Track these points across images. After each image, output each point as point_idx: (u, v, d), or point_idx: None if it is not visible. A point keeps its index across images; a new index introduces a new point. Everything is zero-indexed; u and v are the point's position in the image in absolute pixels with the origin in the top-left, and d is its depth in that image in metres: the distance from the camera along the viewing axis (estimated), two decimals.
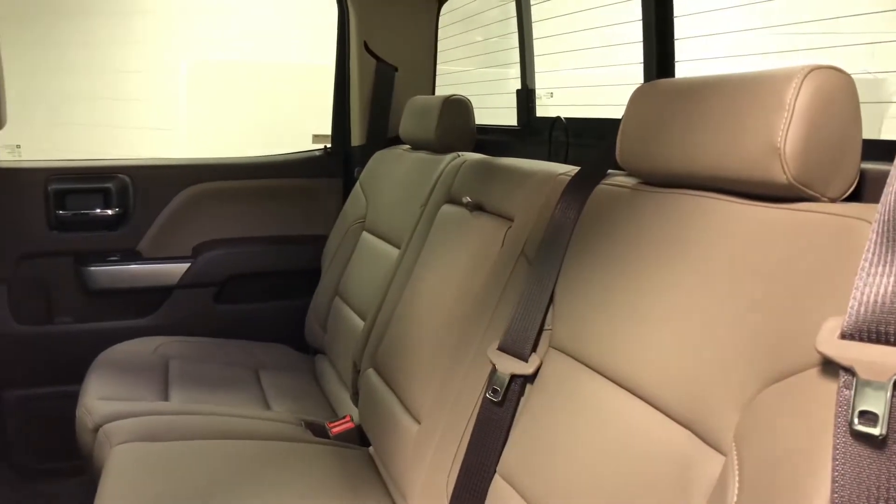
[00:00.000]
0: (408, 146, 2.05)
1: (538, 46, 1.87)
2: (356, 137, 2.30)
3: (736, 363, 0.73)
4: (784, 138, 0.75)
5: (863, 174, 0.79)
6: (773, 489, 0.63)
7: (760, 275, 0.75)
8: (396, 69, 2.20)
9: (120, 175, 2.15)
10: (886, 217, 0.59)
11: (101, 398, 1.62)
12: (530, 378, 1.07)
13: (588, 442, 0.91)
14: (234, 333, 2.18)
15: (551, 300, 1.09)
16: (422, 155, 1.89)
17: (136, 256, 2.17)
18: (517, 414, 1.07)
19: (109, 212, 2.14)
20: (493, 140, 1.91)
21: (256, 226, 2.28)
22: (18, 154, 2.33)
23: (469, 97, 1.87)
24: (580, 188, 1.13)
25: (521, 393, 1.08)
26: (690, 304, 0.82)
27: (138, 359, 1.90)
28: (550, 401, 1.01)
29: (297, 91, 2.60)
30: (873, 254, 0.59)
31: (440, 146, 1.80)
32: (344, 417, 1.68)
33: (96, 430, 1.50)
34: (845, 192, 0.78)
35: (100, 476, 1.35)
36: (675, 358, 0.81)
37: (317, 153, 2.35)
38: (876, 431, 0.55)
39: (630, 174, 1.06)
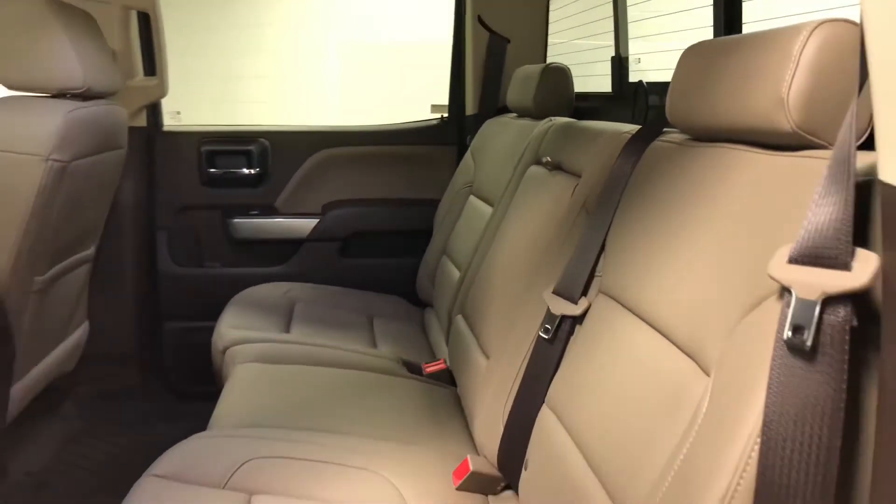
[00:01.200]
0: (514, 114, 2.16)
1: (631, 13, 1.91)
2: (470, 107, 2.44)
3: (729, 297, 0.81)
4: (788, 88, 0.80)
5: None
6: (727, 402, 0.71)
7: (768, 218, 0.81)
8: (508, 41, 2.31)
9: (261, 139, 2.43)
10: (836, 153, 0.65)
11: (231, 327, 1.89)
12: (579, 319, 1.17)
13: (619, 377, 1.00)
14: (354, 284, 2.40)
15: (602, 248, 1.18)
16: (523, 121, 2.00)
17: (273, 211, 2.45)
18: (566, 351, 1.18)
19: (252, 171, 2.43)
20: (589, 106, 1.98)
21: (378, 188, 2.49)
22: (179, 119, 2.68)
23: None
24: (637, 145, 1.20)
25: (571, 332, 1.18)
26: (707, 246, 0.89)
27: (268, 299, 2.16)
28: (593, 340, 1.11)
29: (421, 65, 2.78)
30: (823, 188, 0.65)
31: (538, 112, 1.90)
32: (439, 360, 1.85)
33: (224, 351, 1.76)
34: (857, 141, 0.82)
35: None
36: (687, 294, 0.89)
37: (434, 122, 2.52)
38: (805, 345, 0.62)
39: (681, 131, 1.13)
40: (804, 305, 0.63)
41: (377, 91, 3.14)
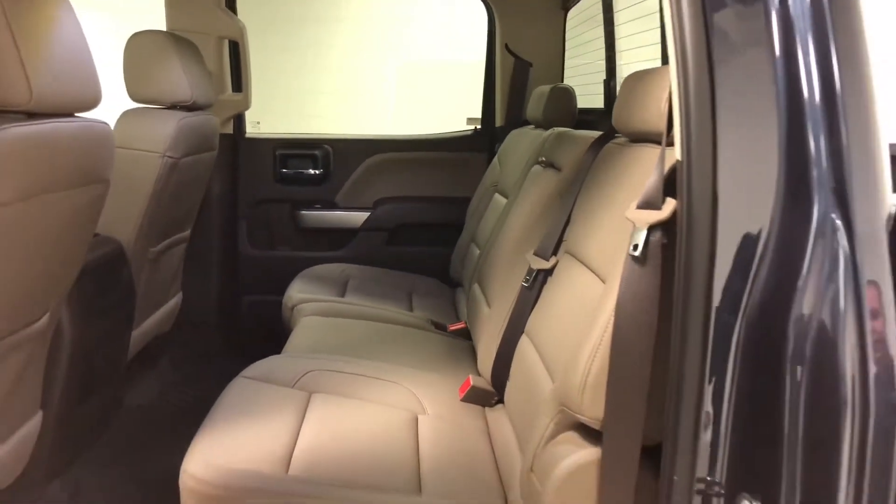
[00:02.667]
0: (532, 125, 2.59)
1: (630, 41, 2.33)
2: (499, 119, 2.89)
3: (623, 237, 1.23)
4: (667, 105, 1.22)
5: None
6: (605, 294, 1.14)
7: (642, 185, 1.23)
8: (531, 64, 2.75)
9: (324, 145, 2.93)
10: (661, 150, 1.07)
11: (299, 291, 2.37)
12: (550, 271, 1.60)
13: (567, 303, 1.43)
14: (398, 267, 2.87)
15: (568, 221, 1.61)
16: (537, 131, 2.43)
17: (333, 205, 2.95)
18: (540, 295, 1.61)
19: (316, 171, 2.93)
20: (588, 119, 2.41)
21: (420, 187, 2.96)
22: (258, 128, 3.20)
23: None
24: (596, 146, 1.63)
25: (544, 281, 1.61)
26: (619, 210, 1.32)
27: (328, 275, 2.65)
28: (557, 284, 1.54)
29: (460, 84, 3.24)
30: (656, 166, 1.07)
31: (546, 124, 2.33)
32: (461, 322, 2.29)
33: (292, 308, 2.25)
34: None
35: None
36: (605, 241, 1.32)
37: (468, 132, 2.98)
38: (638, 256, 1.04)
39: (623, 135, 1.55)
40: (639, 232, 1.05)
41: (423, 105, 3.62)
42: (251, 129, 2.97)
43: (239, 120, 2.91)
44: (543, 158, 1.97)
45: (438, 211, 2.96)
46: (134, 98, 2.28)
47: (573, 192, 1.63)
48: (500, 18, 2.78)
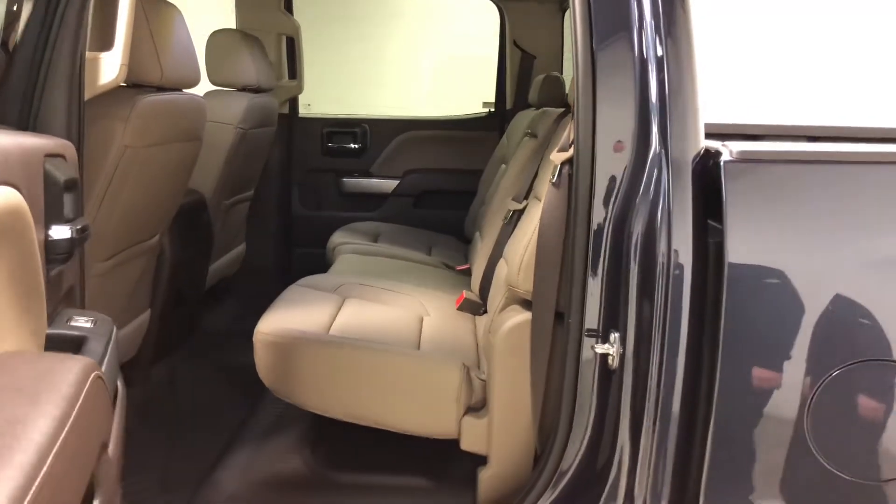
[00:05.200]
0: (533, 108, 3.14)
1: None
2: (509, 103, 3.44)
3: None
4: None
5: None
6: (535, 213, 1.69)
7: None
8: (535, 57, 3.30)
9: (363, 124, 3.53)
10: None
11: (339, 238, 2.98)
12: (521, 211, 2.15)
13: (530, 227, 1.98)
14: (422, 226, 3.44)
15: (536, 174, 2.16)
16: (534, 112, 2.98)
17: (369, 174, 3.54)
18: (515, 228, 2.16)
19: (356, 146, 3.52)
20: None
21: (442, 160, 3.53)
22: (309, 109, 3.82)
23: None
24: (560, 118, 2.18)
25: (518, 217, 2.16)
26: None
27: (363, 229, 3.24)
28: (526, 218, 2.09)
29: (478, 73, 3.80)
30: (571, 120, 1.62)
31: (539, 105, 2.87)
32: (467, 264, 2.86)
33: (333, 249, 2.85)
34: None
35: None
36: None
37: (483, 114, 3.54)
38: (555, 183, 1.59)
39: None
40: (556, 167, 1.60)
41: (448, 89, 4.21)
42: (303, 110, 3.58)
43: (293, 102, 3.51)
44: (529, 131, 2.53)
45: (457, 180, 3.52)
46: (213, 81, 2.90)
47: (541, 152, 2.18)
48: (509, 18, 3.33)
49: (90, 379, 0.74)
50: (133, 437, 1.99)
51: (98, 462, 0.78)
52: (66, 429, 0.60)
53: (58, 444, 0.58)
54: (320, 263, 3.07)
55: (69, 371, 0.69)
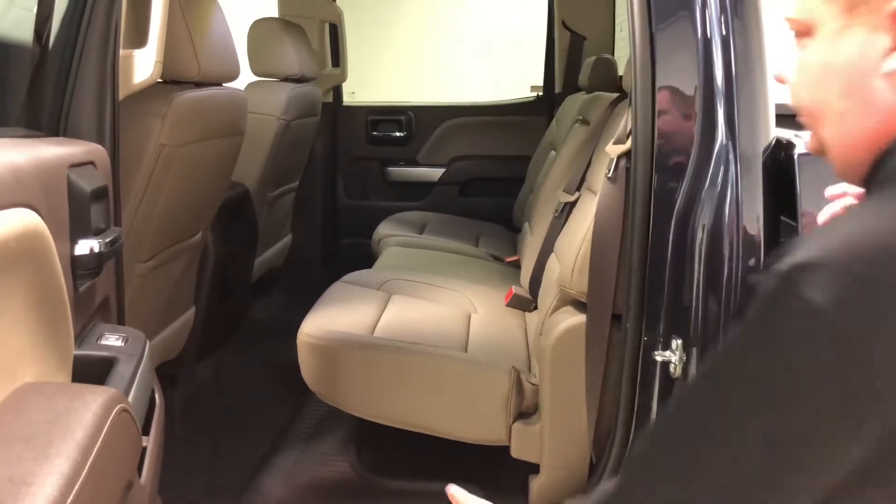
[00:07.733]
0: (583, 92, 3.01)
1: None
2: (558, 87, 3.32)
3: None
4: None
5: None
6: (589, 207, 1.59)
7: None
8: (585, 38, 3.16)
9: (408, 111, 3.44)
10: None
11: (385, 230, 2.91)
12: (574, 203, 2.05)
13: (583, 224, 1.88)
14: (469, 215, 3.35)
15: (589, 164, 2.05)
16: (585, 96, 2.85)
17: (415, 163, 3.46)
18: (567, 222, 2.06)
19: (401, 134, 3.44)
20: None
21: (488, 147, 3.43)
22: (353, 97, 3.75)
23: None
24: (614, 104, 2.06)
25: (570, 211, 2.06)
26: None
27: (409, 219, 3.17)
28: (580, 212, 1.99)
29: (527, 56, 3.66)
30: (629, 110, 1.51)
31: (590, 89, 2.74)
32: (516, 256, 2.77)
33: (379, 241, 2.79)
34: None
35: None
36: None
37: (531, 99, 3.42)
38: (611, 177, 1.49)
39: None
40: (612, 160, 1.50)
41: (497, 74, 4.09)
42: (347, 99, 3.51)
43: (337, 91, 3.45)
44: (580, 117, 2.41)
45: (504, 167, 3.41)
46: (255, 72, 2.86)
47: (594, 140, 2.06)
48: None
49: (112, 415, 0.68)
50: (178, 438, 1.99)
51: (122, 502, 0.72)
52: (78, 485, 0.55)
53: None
54: (366, 253, 3.03)
55: (88, 410, 0.64)
